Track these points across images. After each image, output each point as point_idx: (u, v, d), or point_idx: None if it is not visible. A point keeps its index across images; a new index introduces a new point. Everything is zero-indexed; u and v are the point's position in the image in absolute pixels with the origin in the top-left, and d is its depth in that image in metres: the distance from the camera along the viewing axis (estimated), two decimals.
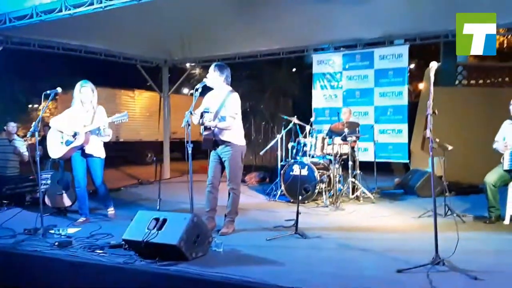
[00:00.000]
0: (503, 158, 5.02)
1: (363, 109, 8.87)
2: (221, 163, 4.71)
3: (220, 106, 4.62)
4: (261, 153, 6.80)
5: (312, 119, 6.85)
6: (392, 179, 8.50)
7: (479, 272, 3.27)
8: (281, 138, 7.31)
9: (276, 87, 10.42)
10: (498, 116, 5.35)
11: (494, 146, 5.15)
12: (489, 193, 5.00)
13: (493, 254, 3.94)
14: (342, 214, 5.77)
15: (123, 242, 3.98)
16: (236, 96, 4.70)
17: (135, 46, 9.41)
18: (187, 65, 10.00)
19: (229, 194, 4.75)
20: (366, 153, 8.68)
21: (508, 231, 4.71)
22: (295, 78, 10.78)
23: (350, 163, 6.64)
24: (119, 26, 7.40)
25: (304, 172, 6.46)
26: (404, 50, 8.39)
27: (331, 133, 7.19)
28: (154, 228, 3.75)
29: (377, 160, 8.60)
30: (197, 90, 4.35)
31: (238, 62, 9.90)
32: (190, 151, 4.20)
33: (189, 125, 4.26)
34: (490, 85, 12.21)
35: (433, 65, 3.63)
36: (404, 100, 8.45)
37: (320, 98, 9.28)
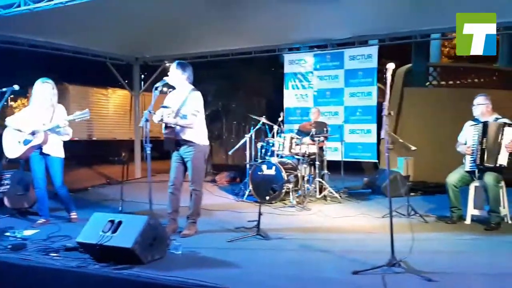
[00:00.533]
0: (464, 159, 5.09)
1: (333, 109, 8.89)
2: (184, 163, 4.63)
3: (181, 104, 4.53)
4: (230, 152, 6.74)
5: (280, 119, 6.82)
6: (362, 179, 8.55)
7: (434, 274, 3.28)
8: (251, 138, 7.26)
9: (249, 87, 10.38)
10: (468, 116, 5.40)
11: (458, 149, 5.20)
12: (451, 194, 5.06)
13: (450, 255, 3.97)
14: (308, 214, 5.76)
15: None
16: (198, 95, 4.62)
17: (104, 43, 9.22)
18: (167, 63, 9.87)
19: (191, 195, 4.67)
20: (336, 153, 8.70)
21: (468, 231, 4.77)
22: (268, 77, 10.75)
23: (317, 163, 6.63)
24: (87, 22, 7.22)
25: (272, 172, 6.43)
26: (374, 50, 8.45)
27: (300, 133, 7.19)
28: (108, 231, 3.66)
29: (346, 160, 8.70)
30: (156, 88, 4.26)
31: (211, 60, 9.81)
32: (149, 152, 4.11)
33: (147, 121, 4.15)
34: (461, 86, 12.43)
35: (390, 66, 3.63)
36: (373, 101, 8.51)
37: (291, 98, 9.28)
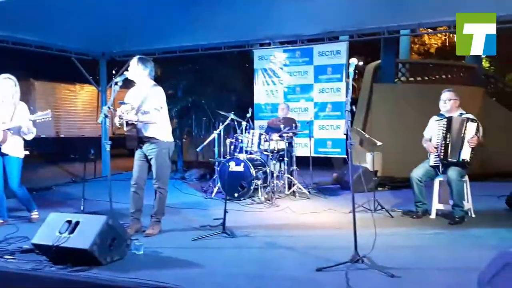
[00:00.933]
0: (429, 154, 5.14)
1: (303, 105, 8.88)
2: (147, 161, 4.51)
3: (143, 100, 4.40)
4: (198, 149, 6.60)
5: (248, 115, 6.74)
6: (332, 174, 8.57)
7: (397, 269, 3.29)
8: (220, 135, 7.17)
9: (220, 83, 10.23)
10: (435, 112, 5.45)
11: (424, 144, 5.24)
12: (416, 188, 5.11)
13: (413, 250, 3.99)
14: (276, 210, 5.73)
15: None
16: (160, 90, 4.50)
17: (69, 37, 8.94)
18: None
19: (155, 193, 4.55)
20: (306, 149, 8.71)
21: (432, 226, 4.83)
22: (239, 73, 10.64)
23: (286, 159, 6.61)
24: (51, 15, 6.98)
25: (240, 168, 6.37)
26: (343, 46, 8.46)
27: (269, 129, 7.15)
28: (65, 232, 3.52)
29: (316, 155, 8.73)
30: (116, 83, 4.12)
31: (180, 55, 9.66)
32: (108, 149, 3.98)
33: (106, 117, 4.01)
34: (429, 82, 12.64)
35: (352, 61, 3.61)
36: (342, 97, 8.52)
37: (261, 93, 9.22)
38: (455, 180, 4.78)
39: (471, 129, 4.88)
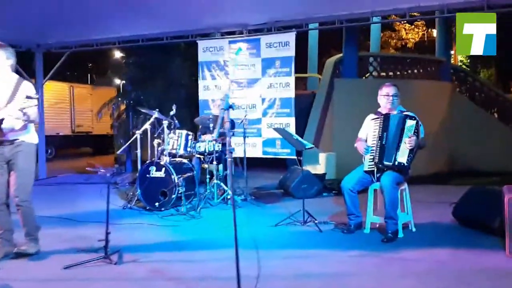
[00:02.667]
0: (364, 158, 4.44)
1: (250, 101, 8.14)
2: (8, 169, 3.72)
3: (12, 95, 3.61)
4: (118, 152, 5.82)
5: (172, 112, 5.95)
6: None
7: None
8: (150, 135, 6.37)
9: (167, 77, 9.45)
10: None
11: (355, 145, 4.56)
12: (347, 199, 4.41)
13: (326, 279, 3.27)
14: (194, 224, 4.96)
15: None
16: (31, 85, 3.73)
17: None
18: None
19: (17, 209, 3.74)
20: (254, 149, 8.01)
21: (362, 243, 4.13)
22: (188, 66, 9.84)
23: (214, 163, 5.87)
24: None
25: (161, 174, 5.61)
26: (291, 37, 7.73)
27: (202, 129, 6.39)
28: None
29: (265, 156, 8.04)
30: None
31: (121, 47, 8.86)
32: None
33: None
34: (396, 77, 12.01)
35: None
36: (291, 92, 7.81)
37: (206, 88, 8.45)
38: (389, 187, 4.09)
39: (409, 127, 4.19)
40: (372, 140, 4.36)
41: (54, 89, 16.37)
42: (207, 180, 6.00)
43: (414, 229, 4.49)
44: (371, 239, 4.24)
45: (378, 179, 4.27)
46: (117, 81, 15.31)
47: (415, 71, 11.82)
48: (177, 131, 5.90)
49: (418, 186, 7.48)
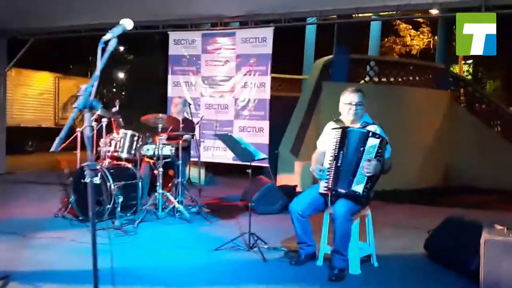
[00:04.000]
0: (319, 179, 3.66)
1: (222, 101, 7.42)
2: None
3: None
4: (51, 149, 5.04)
5: (114, 109, 5.20)
6: None
7: None
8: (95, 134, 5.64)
9: (138, 70, 8.73)
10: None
11: (312, 165, 3.73)
12: (297, 225, 3.65)
13: None
14: (121, 244, 4.20)
15: None
16: None
17: None
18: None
19: None
20: (225, 154, 7.27)
21: (307, 281, 3.38)
22: (162, 61, 9.10)
23: (160, 169, 5.13)
24: None
25: (97, 180, 4.87)
26: (269, 33, 6.99)
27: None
28: None
29: (235, 163, 7.32)
30: None
31: (87, 35, 8.17)
32: None
33: None
34: (391, 83, 11.23)
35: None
36: (267, 94, 7.09)
37: (176, 84, 7.74)
38: (341, 218, 3.33)
39: (371, 148, 3.41)
40: (329, 158, 3.57)
41: (39, 80, 15.83)
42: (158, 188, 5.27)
43: (376, 264, 3.73)
44: (322, 274, 3.48)
45: (333, 204, 3.51)
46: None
47: (411, 77, 11.03)
48: (121, 130, 5.18)
49: (401, 205, 6.78)
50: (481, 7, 5.55)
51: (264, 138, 7.10)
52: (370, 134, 3.43)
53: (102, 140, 5.25)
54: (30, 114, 15.60)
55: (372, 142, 3.40)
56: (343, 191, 3.40)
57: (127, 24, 2.19)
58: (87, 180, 2.07)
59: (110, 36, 2.08)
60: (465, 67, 24.75)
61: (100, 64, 2.00)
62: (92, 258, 2.09)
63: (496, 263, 2.81)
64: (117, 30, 2.14)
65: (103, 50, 2.04)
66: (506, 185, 9.74)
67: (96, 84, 2.01)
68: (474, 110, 11.93)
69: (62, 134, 1.93)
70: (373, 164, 3.31)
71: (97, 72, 2.00)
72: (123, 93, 8.23)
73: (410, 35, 26.16)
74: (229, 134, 4.39)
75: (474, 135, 11.21)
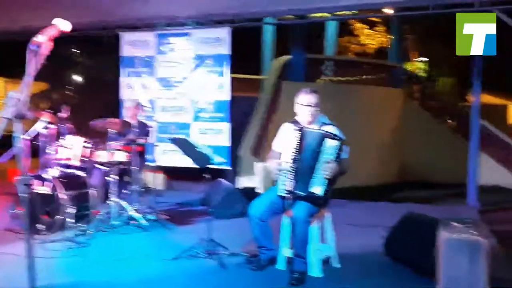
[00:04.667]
0: (277, 178, 3.59)
1: (179, 103, 7.25)
2: None
3: None
4: (1, 160, 4.76)
5: (62, 114, 4.92)
6: None
7: None
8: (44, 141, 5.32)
9: (90, 73, 8.39)
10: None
11: (267, 163, 3.70)
12: (256, 229, 3.57)
13: None
14: (71, 256, 3.97)
15: None
16: None
17: None
18: None
19: None
20: (183, 157, 7.07)
21: (268, 284, 3.31)
22: (112, 61, 8.79)
23: (112, 176, 4.91)
24: None
25: (46, 190, 4.62)
26: (225, 33, 6.88)
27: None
28: None
29: (194, 167, 7.16)
30: None
31: (26, 39, 7.73)
32: None
33: None
34: (347, 82, 11.41)
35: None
36: (226, 95, 6.98)
37: (131, 88, 7.49)
38: (300, 221, 3.28)
39: (329, 149, 3.37)
40: (289, 160, 3.50)
41: None
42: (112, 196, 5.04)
43: (337, 265, 3.71)
44: (283, 278, 3.42)
45: (291, 206, 3.44)
46: None
47: (366, 76, 11.24)
48: (70, 137, 4.92)
49: (358, 203, 6.84)
50: (429, 7, 5.69)
51: (224, 140, 6.98)
52: (328, 135, 3.38)
53: (50, 147, 4.98)
54: None
55: (330, 143, 3.36)
56: (302, 193, 3.34)
57: (61, 24, 2.02)
58: (20, 195, 1.88)
59: (44, 38, 1.91)
60: (419, 65, 25.53)
61: (29, 68, 1.83)
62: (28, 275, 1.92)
63: (454, 261, 2.82)
64: (51, 32, 1.97)
65: (36, 53, 1.86)
66: (458, 178, 10.08)
67: (27, 90, 1.83)
68: (427, 106, 12.31)
69: None
70: (331, 166, 3.27)
71: (28, 78, 1.83)
72: (74, 96, 7.85)
73: (365, 34, 26.76)
74: (183, 138, 4.25)
75: (428, 131, 11.55)
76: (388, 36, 27.76)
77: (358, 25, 24.72)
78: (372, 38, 25.33)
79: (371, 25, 25.40)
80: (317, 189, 3.31)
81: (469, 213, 5.85)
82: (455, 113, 12.23)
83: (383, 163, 10.76)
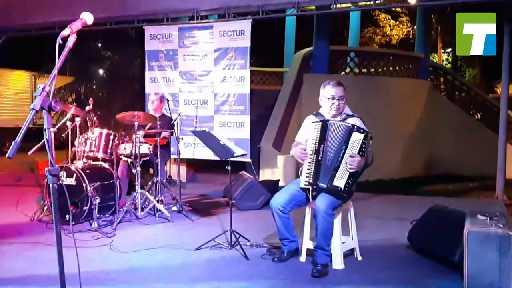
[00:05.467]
0: (301, 172, 3.58)
1: (202, 96, 7.28)
2: None
3: None
4: (29, 153, 4.89)
5: (88, 108, 5.04)
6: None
7: None
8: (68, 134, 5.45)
9: (115, 67, 8.52)
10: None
11: (292, 152, 3.71)
12: (278, 221, 3.57)
13: None
14: (98, 245, 4.08)
15: None
16: None
17: None
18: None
19: None
20: (205, 150, 7.13)
21: (290, 276, 3.32)
22: (139, 56, 8.92)
23: (138, 169, 4.99)
24: None
25: (72, 181, 4.73)
26: (247, 25, 6.86)
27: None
28: None
29: (216, 159, 7.22)
30: None
31: (58, 32, 7.89)
32: None
33: None
34: (381, 74, 11.22)
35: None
36: (246, 87, 6.97)
37: (154, 81, 7.57)
38: (322, 213, 3.26)
39: (356, 142, 3.32)
40: (310, 152, 3.48)
41: (14, 78, 15.49)
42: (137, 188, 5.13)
43: (359, 258, 3.68)
44: (305, 270, 3.42)
45: (315, 198, 3.43)
46: None
47: (390, 68, 11.05)
48: (96, 129, 5.02)
49: (383, 196, 6.76)
50: None
51: (245, 133, 6.99)
52: (355, 128, 3.34)
53: (77, 140, 5.10)
54: (7, 114, 15.26)
55: (356, 137, 3.31)
56: (324, 185, 3.33)
57: (87, 18, 2.06)
58: (51, 185, 1.93)
59: (69, 31, 1.95)
60: (445, 56, 24.99)
61: (58, 61, 1.87)
62: (58, 264, 1.97)
63: (480, 254, 2.77)
64: (75, 25, 2.00)
65: (61, 46, 1.90)
66: (486, 172, 9.87)
67: (54, 83, 1.87)
68: (454, 99, 12.03)
69: (18, 138, 1.80)
70: (356, 160, 3.24)
71: (55, 71, 1.87)
72: (100, 90, 7.99)
73: (390, 25, 26.28)
74: (206, 130, 4.28)
75: (455, 123, 11.31)
76: (413, 27, 27.27)
77: (382, 16, 24.31)
78: (399, 29, 24.88)
79: (395, 15, 24.91)
80: (341, 182, 3.28)
81: (497, 206, 5.71)
82: (483, 105, 11.90)
83: (409, 156, 10.61)
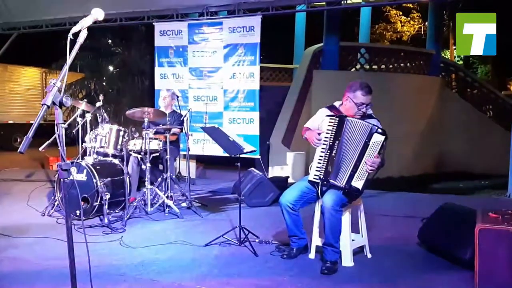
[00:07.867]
0: (311, 167, 3.56)
1: (211, 92, 7.30)
2: None
3: None
4: (41, 149, 4.92)
5: (98, 104, 5.07)
6: None
7: None
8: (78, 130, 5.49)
9: (125, 63, 8.56)
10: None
11: (304, 135, 3.63)
12: (287, 218, 3.56)
13: None
14: (107, 241, 4.11)
15: None
16: None
17: None
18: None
19: None
20: (215, 146, 7.15)
21: (299, 273, 3.31)
22: (149, 52, 8.92)
23: (148, 165, 5.00)
24: None
25: (83, 177, 4.77)
26: (256, 22, 6.86)
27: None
28: None
29: (225, 155, 7.23)
30: None
31: (70, 28, 7.95)
32: None
33: None
34: (392, 71, 11.13)
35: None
36: (256, 84, 6.97)
37: (163, 77, 7.59)
38: (330, 210, 3.24)
39: (375, 144, 3.27)
40: (323, 145, 3.45)
41: (25, 75, 15.63)
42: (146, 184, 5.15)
43: (369, 255, 3.67)
44: (314, 267, 3.41)
45: (323, 194, 3.42)
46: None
47: (402, 64, 10.95)
48: (107, 125, 5.05)
49: (393, 193, 6.72)
50: None
51: (254, 130, 6.99)
52: (376, 130, 3.28)
53: (87, 136, 5.14)
54: (18, 110, 15.41)
55: (377, 138, 3.26)
56: (338, 184, 3.30)
57: (98, 14, 2.06)
58: (62, 180, 1.94)
59: (80, 27, 1.96)
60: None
61: (69, 57, 1.87)
62: (68, 259, 1.99)
63: (491, 252, 2.74)
64: (86, 21, 2.01)
65: (72, 42, 1.91)
66: (498, 169, 9.77)
67: (65, 79, 1.88)
68: (466, 95, 11.90)
69: (30, 133, 1.81)
70: (377, 161, 3.22)
71: (66, 66, 1.87)
72: (111, 86, 8.03)
73: (401, 21, 26.05)
74: (216, 126, 4.27)
75: (466, 121, 11.19)
76: (424, 23, 26.97)
77: (393, 12, 24.10)
78: (411, 25, 24.65)
79: (407, 11, 24.67)
80: (358, 183, 3.26)
81: (509, 204, 5.64)
82: (495, 102, 11.75)
83: (419, 154, 10.53)
